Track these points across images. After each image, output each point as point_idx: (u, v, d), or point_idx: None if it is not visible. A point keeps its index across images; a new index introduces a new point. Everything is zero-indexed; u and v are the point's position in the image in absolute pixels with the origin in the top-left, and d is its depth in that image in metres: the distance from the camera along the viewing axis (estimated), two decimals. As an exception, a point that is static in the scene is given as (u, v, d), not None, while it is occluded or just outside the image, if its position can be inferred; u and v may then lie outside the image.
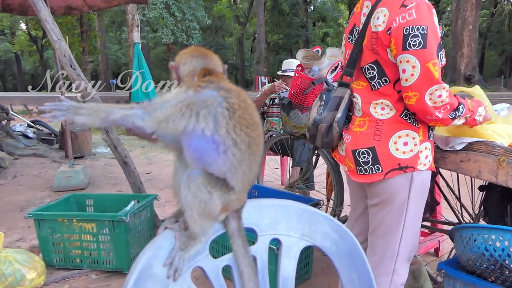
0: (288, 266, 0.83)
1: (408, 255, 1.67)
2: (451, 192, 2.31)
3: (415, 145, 1.51)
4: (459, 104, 1.50)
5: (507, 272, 1.53)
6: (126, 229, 2.49)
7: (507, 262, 1.52)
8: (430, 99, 1.43)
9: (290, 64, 3.88)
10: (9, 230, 3.34)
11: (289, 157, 3.98)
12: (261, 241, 0.81)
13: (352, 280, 0.87)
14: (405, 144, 1.51)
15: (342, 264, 0.87)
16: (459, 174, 2.31)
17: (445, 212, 2.63)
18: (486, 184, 1.98)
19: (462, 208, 2.26)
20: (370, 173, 1.55)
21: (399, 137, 1.51)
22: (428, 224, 2.52)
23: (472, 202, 2.32)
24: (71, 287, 2.47)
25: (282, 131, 3.32)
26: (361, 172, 1.59)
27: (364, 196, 1.75)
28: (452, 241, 1.86)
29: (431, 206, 2.21)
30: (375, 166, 1.54)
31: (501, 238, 1.52)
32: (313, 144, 1.73)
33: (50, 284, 2.50)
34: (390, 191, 1.56)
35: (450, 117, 1.49)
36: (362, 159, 1.56)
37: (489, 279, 1.66)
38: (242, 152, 0.84)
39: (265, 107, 4.11)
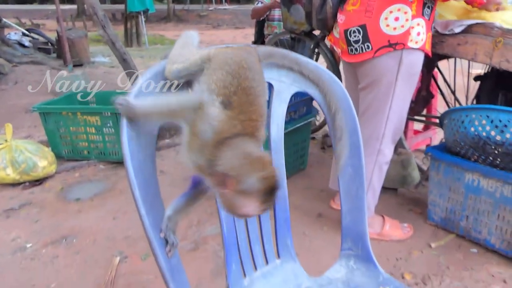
0: (279, 108, 0.90)
1: (393, 136, 1.76)
2: (447, 86, 2.35)
3: (407, 20, 1.51)
4: None
5: (489, 149, 1.63)
6: (130, 122, 2.58)
7: (490, 140, 1.61)
8: None
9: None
10: (17, 129, 3.45)
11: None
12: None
13: (339, 126, 0.94)
14: (396, 19, 1.51)
15: (330, 112, 0.93)
16: (456, 69, 2.34)
17: (440, 109, 2.70)
18: (482, 74, 2.01)
19: (456, 101, 2.32)
20: (361, 52, 1.58)
21: (391, 12, 1.50)
22: (423, 118, 2.60)
23: (466, 97, 2.37)
24: (81, 175, 2.64)
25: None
26: (352, 52, 1.61)
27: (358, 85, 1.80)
28: (442, 127, 1.94)
29: (426, 99, 2.27)
30: (365, 45, 1.55)
31: (488, 117, 1.59)
32: (310, 25, 1.72)
33: (62, 172, 2.66)
34: (379, 72, 1.60)
35: None
36: (353, 38, 1.58)
37: (472, 159, 1.77)
38: None
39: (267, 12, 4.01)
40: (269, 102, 0.85)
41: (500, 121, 1.54)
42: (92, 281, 1.67)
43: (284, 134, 0.93)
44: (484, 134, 1.60)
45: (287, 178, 0.96)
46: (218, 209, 0.85)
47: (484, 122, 1.59)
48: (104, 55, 7.21)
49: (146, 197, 0.64)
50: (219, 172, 0.63)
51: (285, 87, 0.89)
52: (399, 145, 2.40)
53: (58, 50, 6.56)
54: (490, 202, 1.74)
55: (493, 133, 1.58)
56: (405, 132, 2.55)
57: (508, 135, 1.53)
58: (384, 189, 2.38)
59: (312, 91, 0.91)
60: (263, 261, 0.92)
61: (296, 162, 2.54)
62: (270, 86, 0.87)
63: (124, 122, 0.68)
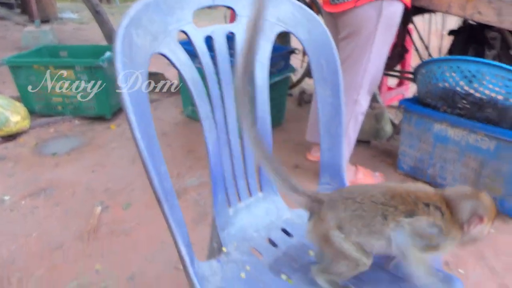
0: (265, 48, 0.92)
1: (370, 87, 1.82)
2: (422, 41, 2.41)
3: None
4: None
5: (458, 99, 1.71)
6: (105, 75, 2.53)
7: (460, 90, 1.69)
8: None
9: None
10: (-17, 85, 3.32)
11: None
12: (240, 20, 0.87)
13: (321, 66, 0.98)
14: None
15: (313, 52, 0.96)
16: (432, 26, 2.39)
17: (414, 65, 2.77)
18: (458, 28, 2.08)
19: (430, 56, 2.39)
20: (342, 1, 1.60)
21: None
22: (398, 74, 2.68)
23: (439, 53, 2.45)
24: (56, 131, 2.60)
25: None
26: (334, 2, 1.63)
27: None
28: (415, 81, 2.01)
29: (401, 54, 2.32)
30: None
31: (458, 68, 1.66)
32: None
33: (36, 128, 2.61)
34: (359, 22, 1.63)
35: None
36: None
37: (441, 110, 1.86)
38: None
39: None
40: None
41: (469, 71, 1.62)
42: (74, 230, 1.70)
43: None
44: (454, 84, 1.68)
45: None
46: (198, 158, 0.87)
47: (454, 73, 1.66)
48: (72, 11, 6.87)
49: (146, 140, 0.64)
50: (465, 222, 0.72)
51: (269, 25, 0.90)
52: (373, 100, 2.47)
53: (23, 5, 6.20)
54: (456, 150, 1.85)
55: (462, 83, 1.66)
56: (380, 87, 2.63)
57: (476, 85, 1.62)
58: (358, 141, 2.48)
59: (295, 30, 0.93)
60: (247, 193, 0.97)
61: (274, 117, 2.58)
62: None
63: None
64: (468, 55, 1.96)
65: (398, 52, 2.32)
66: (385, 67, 2.49)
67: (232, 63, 0.80)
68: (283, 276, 0.80)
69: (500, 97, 1.59)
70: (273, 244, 0.90)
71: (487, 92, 1.60)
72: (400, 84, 2.95)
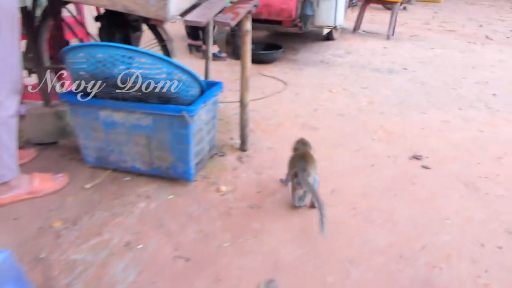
0: None
1: (10, 86, 1.64)
2: (84, 29, 2.35)
3: None
4: None
5: (103, 83, 1.73)
6: None
7: (97, 75, 1.71)
8: None
9: None
10: None
11: None
12: None
13: None
14: None
15: None
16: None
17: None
18: (101, 14, 2.09)
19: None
20: None
21: None
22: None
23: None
24: None
25: None
26: None
27: None
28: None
29: (61, 46, 2.20)
30: None
31: (89, 54, 1.67)
32: None
33: None
34: None
35: None
36: None
37: (99, 96, 1.86)
38: None
39: None
40: None
41: (100, 56, 1.64)
42: None
43: None
44: (93, 69, 1.68)
45: None
46: None
47: (89, 59, 1.66)
48: None
49: None
50: None
51: None
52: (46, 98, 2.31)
53: None
54: (125, 132, 1.91)
55: (100, 68, 1.67)
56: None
57: (113, 69, 1.66)
58: (45, 145, 2.29)
59: None
60: None
61: None
62: None
63: None
64: (115, 39, 2.02)
65: (60, 45, 2.20)
66: (55, 61, 2.35)
67: None
68: None
69: (138, 76, 1.68)
70: None
71: (121, 74, 1.67)
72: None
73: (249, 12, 1.93)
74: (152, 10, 1.55)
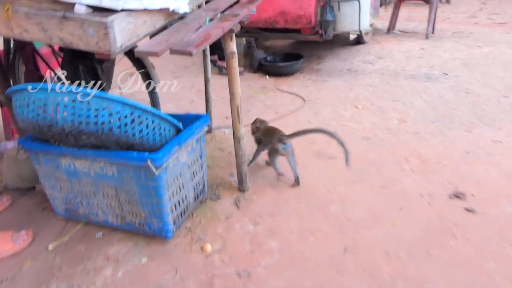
0: None
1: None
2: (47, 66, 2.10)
3: None
4: None
5: (46, 130, 1.43)
6: None
7: (41, 121, 1.41)
8: None
9: None
10: None
11: None
12: None
13: None
14: None
15: None
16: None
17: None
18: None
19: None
20: None
21: None
22: None
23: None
24: None
25: None
26: None
27: None
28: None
29: (38, 79, 1.96)
30: None
31: (30, 98, 1.38)
32: None
33: None
34: None
35: None
36: None
37: (53, 143, 1.58)
38: None
39: None
40: None
41: (40, 100, 1.35)
42: None
43: None
44: (35, 115, 1.39)
45: None
46: None
47: (29, 105, 1.37)
48: None
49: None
50: None
51: None
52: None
53: None
54: (90, 182, 1.61)
55: (40, 113, 1.37)
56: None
57: (52, 114, 1.36)
58: (21, 190, 2.05)
59: None
60: None
61: None
62: None
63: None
64: (79, 72, 1.73)
65: (32, 79, 1.96)
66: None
67: None
68: None
69: (82, 123, 1.37)
70: None
71: (69, 119, 1.36)
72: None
73: (230, 30, 1.56)
74: (92, 42, 1.24)
